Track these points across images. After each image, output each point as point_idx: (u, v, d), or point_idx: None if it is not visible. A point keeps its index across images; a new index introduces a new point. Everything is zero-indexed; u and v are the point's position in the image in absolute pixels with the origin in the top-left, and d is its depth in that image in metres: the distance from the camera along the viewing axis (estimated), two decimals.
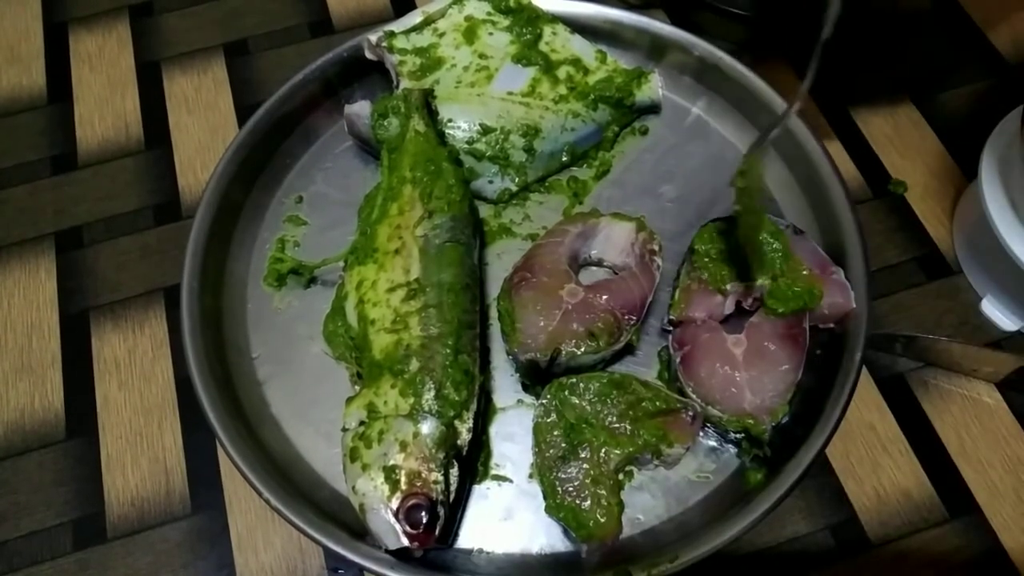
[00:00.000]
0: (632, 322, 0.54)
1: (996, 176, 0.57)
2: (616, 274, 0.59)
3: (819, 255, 0.56)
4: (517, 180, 0.63)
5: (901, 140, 0.70)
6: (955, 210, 0.66)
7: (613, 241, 0.59)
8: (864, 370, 0.56)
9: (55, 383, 0.61)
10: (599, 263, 0.60)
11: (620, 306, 0.55)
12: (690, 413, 0.51)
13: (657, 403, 0.52)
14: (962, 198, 0.65)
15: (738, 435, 0.52)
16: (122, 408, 0.60)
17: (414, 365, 0.50)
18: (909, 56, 0.74)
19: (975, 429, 0.57)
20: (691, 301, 0.56)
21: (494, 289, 0.59)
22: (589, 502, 0.50)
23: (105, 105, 0.74)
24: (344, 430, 0.50)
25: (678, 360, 0.53)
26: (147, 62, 0.77)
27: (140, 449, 0.59)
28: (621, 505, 0.51)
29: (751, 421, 0.51)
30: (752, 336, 0.54)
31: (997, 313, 0.61)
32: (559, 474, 0.50)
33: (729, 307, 0.56)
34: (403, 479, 0.47)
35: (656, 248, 0.58)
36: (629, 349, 0.57)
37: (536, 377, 0.55)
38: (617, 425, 0.51)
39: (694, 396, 0.52)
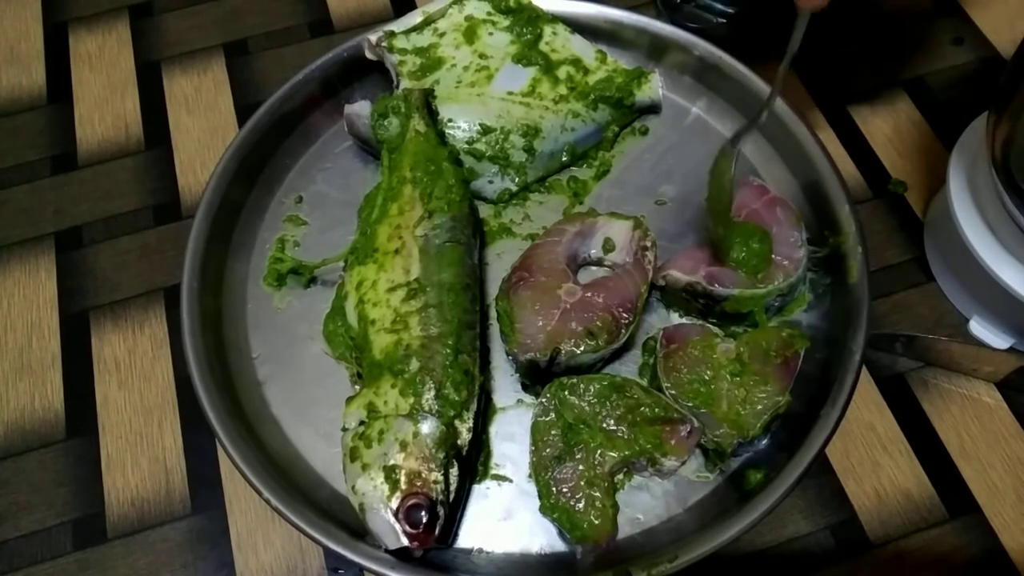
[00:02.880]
0: (629, 320, 0.54)
1: (967, 196, 0.57)
2: (614, 271, 0.59)
3: (763, 192, 0.58)
4: (517, 180, 0.63)
5: (901, 140, 0.70)
6: (924, 238, 0.64)
7: (611, 240, 0.59)
8: (864, 370, 0.56)
9: (55, 383, 0.61)
10: (598, 262, 0.60)
11: (617, 304, 0.55)
12: (687, 427, 0.51)
13: (656, 410, 0.51)
14: (926, 226, 0.64)
15: (705, 443, 0.52)
16: (122, 408, 0.60)
17: (414, 365, 0.50)
18: (909, 56, 0.74)
19: (975, 429, 0.57)
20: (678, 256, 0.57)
21: (494, 289, 0.59)
22: (583, 503, 0.50)
23: (105, 105, 0.74)
24: (344, 430, 0.50)
25: (661, 355, 0.53)
26: (147, 62, 0.77)
27: (140, 449, 0.59)
28: (616, 507, 0.51)
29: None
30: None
31: (987, 334, 0.60)
32: (554, 474, 0.50)
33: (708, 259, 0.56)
34: (403, 479, 0.47)
35: (648, 244, 0.58)
36: (628, 348, 0.57)
37: (536, 377, 0.55)
38: (614, 428, 0.51)
39: (668, 395, 0.52)
